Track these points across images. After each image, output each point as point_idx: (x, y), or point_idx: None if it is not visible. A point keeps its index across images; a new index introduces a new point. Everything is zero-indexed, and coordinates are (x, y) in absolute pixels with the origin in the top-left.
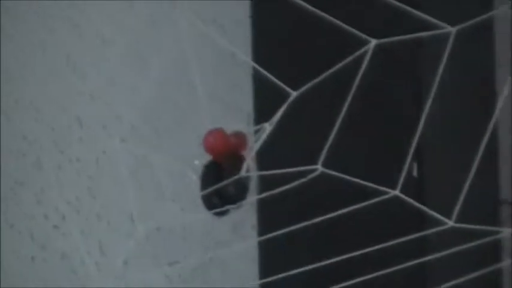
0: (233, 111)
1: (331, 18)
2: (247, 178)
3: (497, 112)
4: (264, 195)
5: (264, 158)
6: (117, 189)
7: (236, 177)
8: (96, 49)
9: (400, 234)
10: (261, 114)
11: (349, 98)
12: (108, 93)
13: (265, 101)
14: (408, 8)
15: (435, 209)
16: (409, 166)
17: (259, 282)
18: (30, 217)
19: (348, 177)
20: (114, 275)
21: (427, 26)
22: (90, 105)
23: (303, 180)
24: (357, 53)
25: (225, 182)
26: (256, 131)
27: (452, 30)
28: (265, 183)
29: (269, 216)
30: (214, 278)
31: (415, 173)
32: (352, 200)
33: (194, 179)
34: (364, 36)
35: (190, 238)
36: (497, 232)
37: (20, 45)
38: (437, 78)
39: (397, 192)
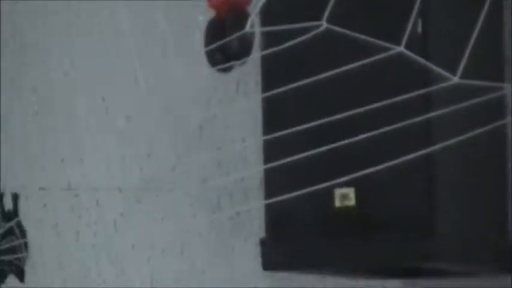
0: None
1: None
2: (251, 34)
3: None
4: (268, 51)
5: (267, 17)
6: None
7: (240, 33)
8: None
9: (405, 92)
10: None
11: None
12: None
13: None
14: None
15: (439, 66)
16: (413, 22)
17: (262, 138)
18: None
19: (352, 34)
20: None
21: None
22: None
23: (308, 36)
24: None
25: (229, 38)
26: None
27: None
28: (270, 39)
29: (273, 72)
30: (218, 135)
31: (419, 29)
32: (357, 58)
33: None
34: None
35: (193, 95)
36: (501, 88)
37: None
38: None
39: (402, 48)
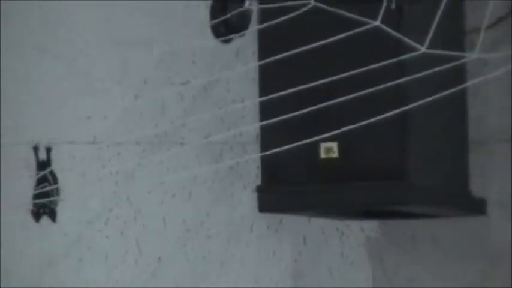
0: None
1: None
2: (249, 11)
3: None
4: (263, 25)
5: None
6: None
7: (240, 9)
8: None
9: (381, 60)
10: None
11: None
12: None
13: None
14: None
15: (411, 39)
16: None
17: (258, 99)
18: None
19: (337, 10)
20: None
21: None
22: None
23: (298, 12)
24: None
25: (230, 14)
26: None
27: None
28: (265, 15)
29: (268, 43)
30: (220, 96)
31: (393, 5)
32: (341, 31)
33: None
34: None
35: (199, 62)
36: (462, 57)
37: None
38: None
39: (378, 22)
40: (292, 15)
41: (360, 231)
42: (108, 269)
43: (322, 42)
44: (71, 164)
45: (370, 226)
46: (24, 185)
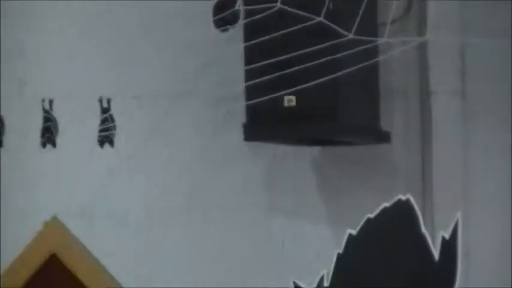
0: None
1: None
2: (238, 10)
3: None
4: (245, 20)
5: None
6: None
7: (232, 9)
8: None
9: (323, 43)
10: None
11: None
12: None
13: None
14: None
15: (343, 28)
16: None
17: (246, 67)
18: None
19: (294, 11)
20: None
21: None
22: None
23: (266, 13)
24: None
25: (226, 13)
26: None
27: None
28: (248, 13)
29: (250, 32)
30: (220, 68)
31: (331, 5)
32: (297, 24)
33: None
34: None
35: (205, 45)
36: (376, 41)
37: None
38: None
39: (321, 18)
40: (261, 15)
41: (308, 154)
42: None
43: (281, 32)
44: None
45: (315, 150)
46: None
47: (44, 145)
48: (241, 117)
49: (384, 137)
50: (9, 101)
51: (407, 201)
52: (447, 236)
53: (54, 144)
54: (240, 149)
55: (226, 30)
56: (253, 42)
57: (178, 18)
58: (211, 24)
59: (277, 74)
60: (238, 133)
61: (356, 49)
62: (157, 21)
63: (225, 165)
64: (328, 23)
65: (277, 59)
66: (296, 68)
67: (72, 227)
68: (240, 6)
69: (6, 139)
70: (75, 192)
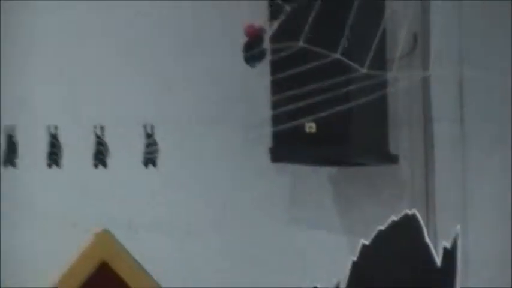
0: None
1: None
2: (265, 49)
3: None
4: (273, 58)
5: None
6: None
7: (260, 48)
8: None
9: (340, 76)
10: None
11: None
12: None
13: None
14: None
15: (357, 63)
16: (343, 41)
17: (272, 97)
18: None
19: (315, 49)
20: None
21: None
22: None
23: (289, 51)
24: None
25: (255, 51)
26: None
27: None
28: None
29: (276, 67)
30: (248, 101)
31: (346, 44)
32: (317, 60)
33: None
34: None
35: (237, 79)
36: (385, 75)
37: None
38: None
39: (338, 55)
40: (284, 53)
41: (326, 173)
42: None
43: (305, 66)
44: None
45: (332, 170)
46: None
47: (96, 166)
48: (268, 142)
49: (392, 159)
50: (67, 126)
51: (414, 215)
52: (448, 245)
53: (104, 165)
54: (266, 169)
55: (254, 66)
56: (278, 76)
57: (214, 53)
58: (242, 60)
59: (299, 103)
60: (265, 155)
61: (368, 82)
62: (195, 55)
63: (254, 183)
64: (344, 59)
65: (299, 90)
66: (316, 98)
67: (120, 237)
68: (267, 45)
69: (64, 159)
70: (122, 207)
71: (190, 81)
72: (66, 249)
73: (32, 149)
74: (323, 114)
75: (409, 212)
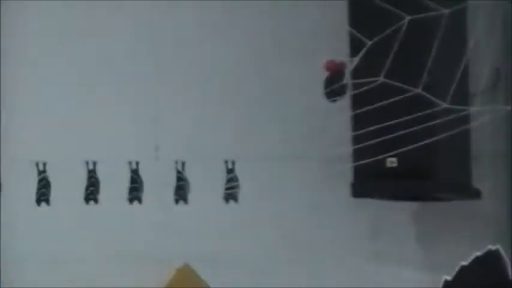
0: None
1: None
2: (347, 84)
3: None
4: (353, 92)
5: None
6: None
7: (341, 83)
8: None
9: (422, 110)
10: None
11: None
12: None
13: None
14: None
15: (437, 97)
16: (425, 77)
17: (352, 133)
18: None
19: (395, 83)
20: None
21: None
22: None
23: (370, 86)
24: None
25: (335, 86)
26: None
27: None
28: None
29: (357, 102)
30: (331, 132)
31: (428, 78)
32: (398, 95)
33: None
34: None
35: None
36: (468, 109)
37: None
38: None
39: (420, 90)
40: (364, 88)
41: (408, 208)
42: None
43: (386, 101)
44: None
45: (413, 206)
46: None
47: (176, 202)
48: (349, 177)
49: (475, 194)
50: (146, 162)
51: (497, 251)
52: None
53: (186, 201)
54: (347, 204)
55: (335, 101)
56: (359, 110)
57: (294, 88)
58: (323, 96)
59: (380, 138)
60: (346, 190)
61: (450, 116)
62: (276, 91)
63: (335, 219)
64: (426, 94)
65: (380, 125)
66: (397, 133)
67: (201, 272)
68: (347, 80)
69: (145, 196)
70: (203, 242)
71: (271, 116)
72: (149, 285)
73: (114, 183)
74: (405, 149)
75: (493, 247)
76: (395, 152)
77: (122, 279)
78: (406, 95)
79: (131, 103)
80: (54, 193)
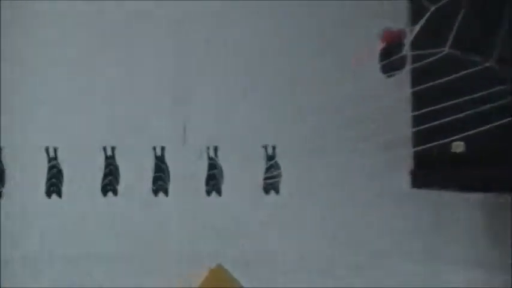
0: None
1: None
2: (405, 56)
3: None
4: (414, 65)
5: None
6: None
7: (400, 55)
8: None
9: (493, 87)
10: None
11: None
12: None
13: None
14: None
15: None
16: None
17: (412, 113)
18: None
19: (460, 54)
20: None
21: None
22: None
23: (434, 57)
24: None
25: (393, 58)
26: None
27: None
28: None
29: (417, 78)
30: (386, 113)
31: (500, 49)
32: (465, 68)
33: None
34: None
35: (369, 89)
36: None
37: None
38: None
39: (490, 63)
40: (429, 60)
41: (475, 199)
42: None
43: (452, 76)
44: None
45: (480, 196)
46: None
47: (208, 193)
48: (408, 164)
49: None
50: (175, 147)
51: None
52: None
53: (219, 192)
54: (406, 196)
55: (392, 75)
56: (421, 87)
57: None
58: (378, 71)
59: (445, 119)
60: (405, 180)
61: None
62: (325, 75)
63: (392, 213)
64: (497, 68)
65: (445, 104)
66: (465, 113)
67: (234, 273)
68: (407, 51)
69: (172, 186)
70: (239, 238)
71: (321, 96)
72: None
73: (135, 172)
74: (473, 131)
75: None
76: (462, 134)
77: (145, 280)
78: (476, 68)
79: (154, 80)
80: (66, 183)
